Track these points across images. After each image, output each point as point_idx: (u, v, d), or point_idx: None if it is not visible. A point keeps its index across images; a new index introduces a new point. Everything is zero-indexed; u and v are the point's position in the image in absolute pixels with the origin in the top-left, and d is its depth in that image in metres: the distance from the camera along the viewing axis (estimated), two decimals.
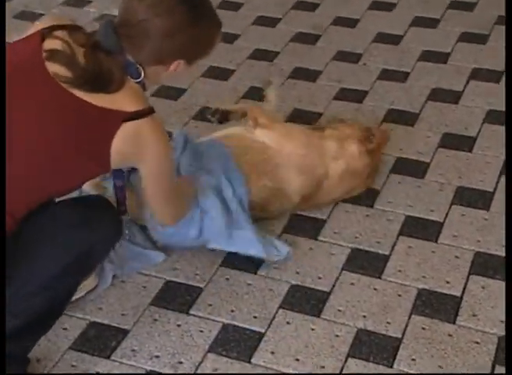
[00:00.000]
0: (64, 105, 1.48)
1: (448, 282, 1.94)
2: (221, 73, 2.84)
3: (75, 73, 1.46)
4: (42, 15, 3.23)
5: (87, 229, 1.58)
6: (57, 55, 1.49)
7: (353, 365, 1.73)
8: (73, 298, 1.78)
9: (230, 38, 3.05)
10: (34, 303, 1.59)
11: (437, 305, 1.87)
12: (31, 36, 1.54)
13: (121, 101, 1.49)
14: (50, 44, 1.50)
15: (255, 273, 1.98)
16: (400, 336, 1.80)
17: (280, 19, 3.20)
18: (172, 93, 2.72)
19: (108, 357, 1.75)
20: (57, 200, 1.64)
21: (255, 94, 2.71)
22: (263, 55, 2.95)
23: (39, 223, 1.55)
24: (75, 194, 1.80)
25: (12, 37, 3.05)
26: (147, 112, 1.52)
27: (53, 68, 1.47)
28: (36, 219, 1.55)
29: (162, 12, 1.49)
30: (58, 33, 1.53)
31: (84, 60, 1.48)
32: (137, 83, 1.55)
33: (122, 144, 1.50)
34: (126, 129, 1.49)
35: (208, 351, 1.77)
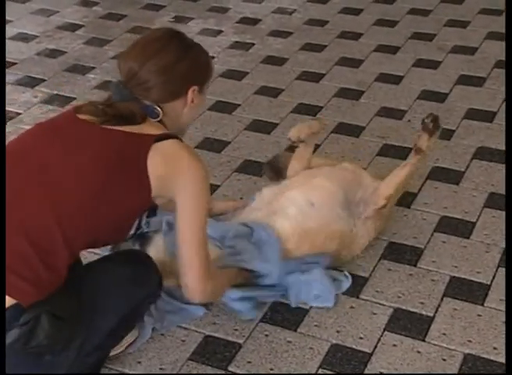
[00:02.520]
0: (100, 136, 1.57)
1: (495, 348, 1.87)
2: (264, 127, 2.87)
3: (99, 115, 1.59)
4: (93, 68, 3.34)
5: (136, 285, 1.60)
6: (84, 108, 1.63)
7: None
8: (114, 352, 1.78)
9: (274, 93, 3.09)
10: (87, 364, 1.60)
11: (484, 372, 1.80)
12: (64, 111, 1.72)
13: (147, 129, 1.59)
14: (78, 108, 1.66)
15: (295, 330, 1.94)
16: None
17: (324, 74, 3.23)
18: (216, 145, 2.75)
19: None
20: (104, 255, 1.69)
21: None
22: (306, 109, 2.97)
23: (91, 280, 1.57)
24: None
25: (64, 89, 3.17)
26: (173, 136, 1.62)
27: (83, 117, 1.61)
28: (87, 276, 1.58)
29: (155, 53, 1.62)
30: (85, 104, 1.68)
31: (107, 108, 1.61)
32: (159, 122, 1.65)
33: (157, 164, 1.57)
34: (157, 148, 1.57)
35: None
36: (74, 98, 3.08)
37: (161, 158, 1.58)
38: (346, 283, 2.06)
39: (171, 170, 1.60)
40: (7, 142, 1.69)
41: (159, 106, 1.64)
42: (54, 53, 3.48)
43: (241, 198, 2.46)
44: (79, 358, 1.57)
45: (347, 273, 2.08)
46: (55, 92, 3.14)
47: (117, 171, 1.56)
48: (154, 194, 1.61)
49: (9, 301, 1.45)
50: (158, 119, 1.65)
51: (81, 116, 1.61)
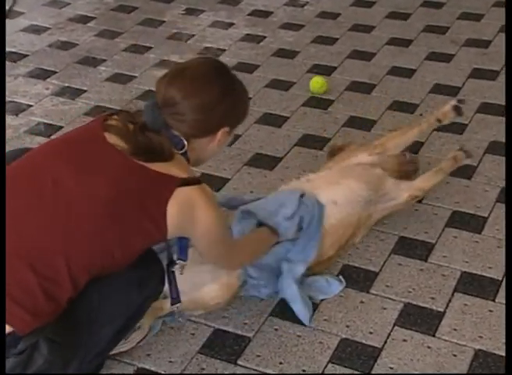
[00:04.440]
0: (124, 168, 1.53)
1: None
2: (275, 120, 2.86)
3: (131, 144, 1.54)
4: (104, 60, 3.34)
5: (139, 289, 1.59)
6: (114, 128, 1.58)
7: None
8: (123, 349, 1.79)
9: (285, 86, 3.08)
10: (88, 369, 1.61)
11: (495, 369, 1.79)
12: (95, 118, 1.65)
13: (173, 168, 1.56)
14: (109, 122, 1.60)
15: (305, 325, 1.94)
16: None
17: (336, 67, 3.21)
18: None
19: None
20: None
21: (308, 141, 2.71)
22: (318, 103, 2.96)
23: (91, 289, 1.54)
24: None
25: (75, 81, 3.17)
26: (196, 181, 1.58)
27: (111, 139, 1.55)
28: (97, 279, 1.54)
29: (198, 90, 1.59)
30: (114, 116, 1.63)
31: (136, 136, 1.56)
32: (182, 154, 1.62)
33: (176, 209, 1.54)
34: (178, 194, 1.54)
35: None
36: (85, 91, 3.09)
37: (178, 206, 1.54)
38: (337, 287, 2.03)
39: (186, 218, 1.58)
40: (25, 154, 1.63)
41: (186, 139, 1.62)
42: (65, 45, 3.48)
43: (251, 192, 2.46)
44: (81, 368, 1.57)
45: (342, 279, 2.06)
46: (67, 84, 3.14)
47: (135, 212, 1.51)
48: (169, 237, 1.60)
49: (7, 328, 1.42)
50: (183, 151, 1.61)
51: (110, 138, 1.55)
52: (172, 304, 1.73)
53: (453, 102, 2.35)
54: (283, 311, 1.97)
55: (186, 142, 1.62)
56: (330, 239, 2.05)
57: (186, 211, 1.56)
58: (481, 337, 1.88)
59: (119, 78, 3.18)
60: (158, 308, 1.84)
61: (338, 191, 2.09)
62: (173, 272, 1.69)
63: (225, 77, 1.66)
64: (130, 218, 1.51)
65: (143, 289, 1.61)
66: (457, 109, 2.34)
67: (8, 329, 1.42)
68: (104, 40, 3.53)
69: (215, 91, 1.61)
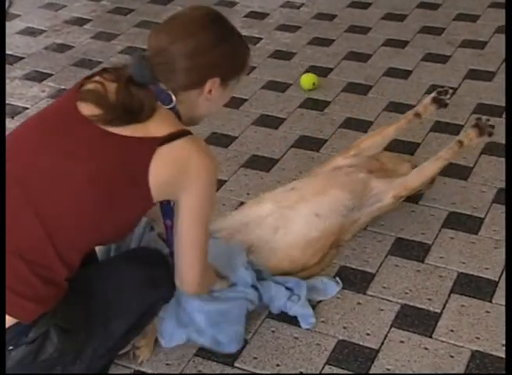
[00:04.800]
0: (99, 142, 1.47)
1: (504, 345, 1.86)
2: (271, 122, 2.86)
3: (104, 108, 1.47)
4: (101, 63, 3.33)
5: (151, 288, 1.59)
6: (88, 94, 1.51)
7: None
8: (122, 351, 1.79)
9: (282, 87, 3.08)
10: (99, 364, 1.60)
11: (492, 370, 1.79)
12: (73, 87, 1.58)
13: (153, 128, 1.48)
14: (86, 87, 1.53)
15: (302, 327, 1.93)
16: None
17: (332, 69, 3.21)
18: (223, 140, 2.74)
19: None
20: (117, 255, 1.67)
21: (305, 142, 2.71)
22: (314, 104, 2.96)
23: (103, 283, 1.55)
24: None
25: (71, 84, 3.16)
26: (181, 134, 1.50)
27: (85, 108, 1.49)
28: (100, 279, 1.55)
29: (188, 35, 1.51)
30: (96, 77, 1.55)
31: (115, 96, 1.49)
32: (170, 109, 1.54)
33: (161, 169, 1.47)
34: (161, 153, 1.47)
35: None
36: None
37: (165, 164, 1.48)
38: (334, 288, 2.03)
39: (176, 174, 1.50)
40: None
41: (175, 92, 1.53)
42: (62, 48, 3.48)
43: (248, 194, 2.46)
44: (92, 362, 1.56)
45: (338, 280, 2.05)
46: (63, 87, 3.14)
47: (116, 185, 1.47)
48: (157, 200, 1.54)
49: (10, 320, 1.41)
50: (170, 106, 1.53)
51: (84, 108, 1.48)
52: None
53: (433, 94, 2.30)
54: (280, 313, 1.96)
55: (174, 97, 1.53)
56: (312, 249, 2.03)
57: (174, 167, 1.49)
58: (478, 338, 1.88)
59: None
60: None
61: (322, 202, 2.06)
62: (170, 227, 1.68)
63: (218, 24, 1.55)
64: (114, 191, 1.47)
65: (155, 289, 1.61)
66: (438, 101, 2.29)
67: (11, 321, 1.41)
68: (101, 42, 3.53)
69: (205, 36, 1.51)
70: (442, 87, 2.40)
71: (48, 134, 1.51)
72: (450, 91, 2.32)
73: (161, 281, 1.62)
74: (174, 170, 1.50)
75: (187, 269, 1.62)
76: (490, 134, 2.20)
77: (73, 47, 3.48)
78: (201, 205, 1.57)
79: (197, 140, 1.54)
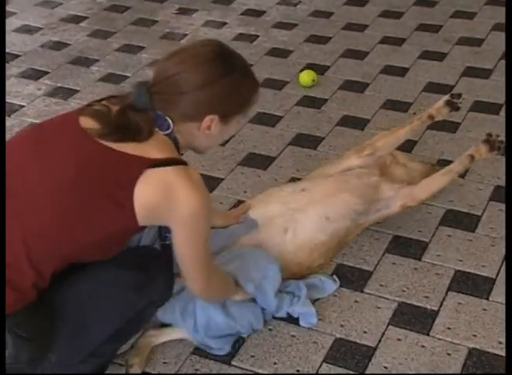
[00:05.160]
0: (89, 152, 1.46)
1: (501, 342, 1.86)
2: (268, 120, 2.85)
3: (102, 123, 1.47)
4: (97, 60, 3.32)
5: (137, 294, 1.55)
6: (91, 111, 1.52)
7: None
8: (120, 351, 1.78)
9: (279, 85, 3.07)
10: (81, 370, 1.57)
11: (489, 367, 1.79)
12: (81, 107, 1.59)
13: (147, 149, 1.46)
14: (92, 107, 1.55)
15: (299, 325, 1.93)
16: None
17: (329, 66, 3.21)
18: None
19: None
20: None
21: (302, 140, 2.71)
22: (311, 102, 2.95)
23: (90, 282, 1.52)
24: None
25: (67, 82, 3.16)
26: (176, 162, 1.47)
27: (84, 122, 1.49)
28: (87, 277, 1.52)
29: (191, 67, 1.49)
30: (103, 101, 1.57)
31: (114, 117, 1.50)
32: (168, 136, 1.52)
33: (148, 191, 1.44)
34: (150, 175, 1.44)
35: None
36: (78, 91, 3.07)
37: (152, 187, 1.44)
38: (331, 286, 2.02)
39: (163, 200, 1.45)
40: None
41: (173, 121, 1.52)
42: (58, 45, 3.47)
43: (245, 192, 2.46)
44: (69, 364, 1.53)
45: (336, 278, 2.05)
46: (59, 85, 3.13)
47: (97, 195, 1.44)
48: (144, 223, 1.49)
49: None
50: (168, 132, 1.51)
51: (84, 121, 1.49)
52: None
53: (446, 97, 2.31)
54: None
55: (172, 123, 1.51)
56: (318, 252, 2.03)
57: (161, 193, 1.44)
58: (475, 335, 1.88)
59: (111, 78, 3.17)
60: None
61: (332, 206, 2.04)
62: (167, 245, 1.62)
63: (224, 60, 1.52)
64: (92, 201, 1.44)
65: (144, 293, 1.56)
66: (451, 104, 2.31)
67: None
68: (97, 40, 3.52)
69: (206, 71, 1.49)
70: (447, 87, 2.42)
71: (41, 143, 1.50)
72: (463, 96, 2.35)
73: (151, 285, 1.57)
74: (161, 196, 1.46)
75: (191, 281, 1.62)
76: (499, 149, 2.20)
77: (70, 45, 3.47)
78: (192, 234, 1.53)
79: (190, 170, 1.50)
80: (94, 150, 1.46)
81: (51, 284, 1.49)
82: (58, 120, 1.57)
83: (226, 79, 1.52)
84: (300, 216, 2.01)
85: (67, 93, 3.06)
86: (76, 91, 3.07)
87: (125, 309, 1.55)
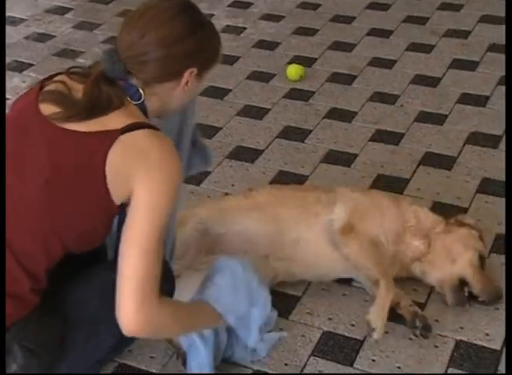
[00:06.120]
0: (56, 142, 1.42)
1: (487, 334, 1.87)
2: (256, 112, 2.84)
3: (64, 107, 1.42)
4: (83, 52, 3.29)
5: None
6: (48, 95, 1.45)
7: None
8: None
9: (266, 77, 3.06)
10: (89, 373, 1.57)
11: (476, 359, 1.80)
12: (31, 89, 1.52)
13: (115, 121, 1.42)
14: (46, 88, 1.48)
15: (287, 318, 1.93)
16: None
17: (316, 59, 3.20)
18: (207, 131, 2.72)
19: None
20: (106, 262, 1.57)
21: (289, 133, 2.70)
22: (299, 94, 2.95)
23: (95, 286, 1.50)
24: None
25: None
26: (144, 126, 1.44)
27: (46, 109, 1.43)
28: (90, 282, 1.51)
29: (160, 25, 1.47)
30: (57, 77, 1.50)
31: (83, 93, 1.43)
32: (139, 105, 1.49)
33: (118, 157, 1.39)
34: (120, 141, 1.39)
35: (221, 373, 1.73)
36: None
37: (123, 151, 1.39)
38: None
39: (134, 162, 1.40)
40: None
41: (148, 85, 1.48)
42: (43, 37, 3.43)
43: (232, 185, 2.45)
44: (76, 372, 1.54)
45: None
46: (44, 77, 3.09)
47: (73, 186, 1.41)
48: (117, 198, 1.42)
49: None
50: (139, 102, 1.47)
51: (44, 109, 1.42)
52: None
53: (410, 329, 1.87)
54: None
55: (142, 92, 1.47)
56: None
57: (131, 155, 1.40)
58: (462, 327, 1.89)
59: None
60: None
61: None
62: None
63: (190, 13, 1.50)
64: (71, 192, 1.41)
65: None
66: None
67: None
68: (83, 32, 3.48)
69: (177, 26, 1.46)
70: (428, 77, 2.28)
71: (9, 142, 1.46)
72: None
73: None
74: (132, 157, 1.40)
75: (123, 285, 1.40)
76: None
77: (55, 36, 3.44)
78: (156, 205, 1.41)
79: (162, 134, 1.46)
80: (61, 139, 1.41)
81: (54, 290, 1.47)
82: (19, 115, 1.49)
83: (200, 31, 1.50)
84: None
85: None
86: None
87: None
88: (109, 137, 1.40)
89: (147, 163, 1.41)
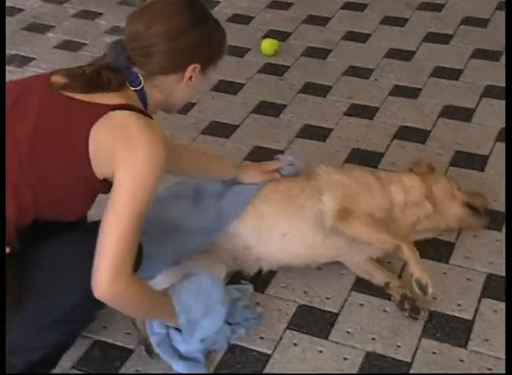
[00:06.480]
0: (50, 103, 1.47)
1: (459, 305, 1.90)
2: (230, 88, 2.82)
3: (71, 79, 1.48)
4: (53, 27, 3.23)
5: None
6: (61, 70, 1.53)
7: None
8: None
9: (240, 52, 3.04)
10: (48, 338, 1.55)
11: (448, 329, 1.84)
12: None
13: (110, 97, 1.47)
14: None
15: (263, 292, 1.94)
16: (409, 360, 1.76)
17: (291, 33, 3.18)
18: (182, 107, 2.69)
19: None
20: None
21: (264, 108, 2.69)
22: (273, 69, 2.93)
23: (53, 248, 1.50)
24: None
25: (23, 49, 3.06)
26: (136, 109, 1.48)
27: (55, 78, 1.51)
28: (50, 244, 1.51)
29: (166, 18, 1.51)
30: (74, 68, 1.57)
31: (87, 74, 1.50)
32: (138, 92, 1.52)
33: (103, 132, 1.43)
34: (107, 118, 1.44)
35: (215, 372, 1.74)
36: (34, 58, 2.99)
37: (107, 127, 1.42)
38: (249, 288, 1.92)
39: (116, 141, 1.43)
40: None
41: (151, 76, 1.52)
42: (11, 11, 3.36)
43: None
44: (35, 332, 1.52)
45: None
46: (14, 52, 3.04)
47: (56, 145, 1.43)
48: (98, 171, 1.45)
49: None
50: (139, 88, 1.51)
51: (54, 78, 1.50)
52: None
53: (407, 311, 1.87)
54: (243, 277, 1.96)
55: (142, 80, 1.51)
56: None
57: (117, 133, 1.43)
58: (435, 298, 1.92)
59: (69, 45, 3.09)
60: None
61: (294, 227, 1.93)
62: None
63: (195, 8, 1.54)
64: (51, 153, 1.44)
65: None
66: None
67: None
68: (52, 5, 3.41)
69: (182, 20, 1.50)
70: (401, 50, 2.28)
71: (13, 96, 1.50)
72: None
73: None
74: (116, 136, 1.43)
75: (100, 260, 1.44)
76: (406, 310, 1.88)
77: (23, 10, 3.37)
78: (135, 186, 1.44)
79: (152, 121, 1.49)
80: (55, 100, 1.47)
81: (22, 247, 1.46)
82: (32, 78, 1.57)
83: (203, 25, 1.54)
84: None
85: (22, 61, 2.97)
86: (32, 59, 2.98)
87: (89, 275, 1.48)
88: (99, 109, 1.44)
89: (132, 144, 1.45)
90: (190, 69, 1.54)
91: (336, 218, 1.91)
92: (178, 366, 1.71)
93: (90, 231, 1.49)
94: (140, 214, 1.45)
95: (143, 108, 1.53)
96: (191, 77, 1.55)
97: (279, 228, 1.91)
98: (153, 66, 1.52)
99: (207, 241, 1.87)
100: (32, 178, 1.45)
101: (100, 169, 1.46)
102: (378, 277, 1.94)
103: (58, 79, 1.50)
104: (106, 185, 1.48)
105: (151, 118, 1.52)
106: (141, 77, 1.52)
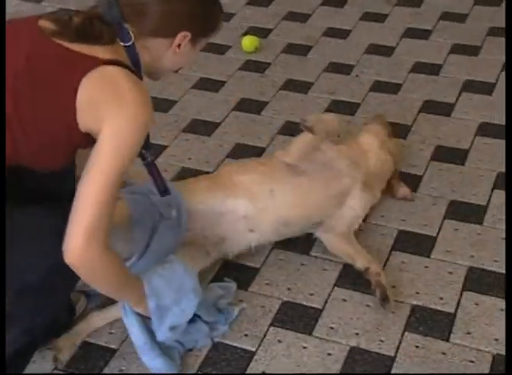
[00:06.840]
0: (40, 47, 1.45)
1: (441, 298, 1.92)
2: (212, 85, 2.82)
3: (60, 25, 1.46)
4: None
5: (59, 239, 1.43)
6: (49, 14, 1.50)
7: None
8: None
9: (221, 49, 3.03)
10: (22, 304, 1.50)
11: (431, 323, 1.85)
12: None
13: (101, 51, 1.45)
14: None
15: (246, 290, 1.95)
16: (393, 354, 1.77)
17: (272, 29, 3.18)
18: (163, 105, 2.69)
19: None
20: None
21: (246, 105, 2.69)
22: (255, 66, 2.93)
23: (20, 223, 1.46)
24: None
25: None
26: (126, 66, 1.46)
27: (42, 23, 1.48)
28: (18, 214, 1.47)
29: None
30: (59, 11, 1.59)
31: (77, 21, 1.46)
32: (128, 49, 1.50)
33: (91, 85, 1.40)
34: (97, 71, 1.41)
35: (198, 371, 1.74)
36: None
37: (98, 81, 1.41)
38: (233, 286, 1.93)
39: (104, 96, 1.42)
40: None
41: (141, 36, 1.49)
42: None
43: (189, 159, 2.43)
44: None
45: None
46: None
47: (43, 88, 1.41)
48: (82, 124, 1.43)
49: None
50: (129, 44, 1.48)
51: (41, 23, 1.47)
52: (161, 196, 1.63)
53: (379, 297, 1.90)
54: (224, 276, 1.97)
55: (132, 35, 1.48)
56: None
57: (106, 87, 1.42)
58: (417, 292, 1.93)
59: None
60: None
61: (294, 216, 2.00)
62: (151, 163, 1.59)
63: None
64: (38, 93, 1.42)
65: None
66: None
67: None
68: (31, 4, 3.38)
69: None
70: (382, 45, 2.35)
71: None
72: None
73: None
74: (105, 91, 1.42)
75: (74, 223, 1.41)
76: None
77: None
78: (118, 146, 1.43)
79: (140, 81, 1.48)
80: (45, 45, 1.44)
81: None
82: (18, 21, 1.54)
83: None
84: (263, 218, 1.95)
85: None
86: None
87: (49, 255, 1.44)
88: (90, 62, 1.42)
89: (119, 101, 1.43)
90: (180, 36, 1.52)
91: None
92: (155, 364, 1.68)
93: (45, 214, 1.47)
94: (120, 171, 1.43)
95: (131, 67, 1.50)
96: (180, 45, 1.53)
97: (265, 185, 1.97)
98: (144, 26, 1.49)
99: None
100: (23, 116, 1.42)
101: (84, 122, 1.44)
102: (360, 262, 1.95)
103: (46, 24, 1.47)
104: (88, 140, 1.46)
105: (140, 78, 1.49)
106: (131, 33, 1.48)
